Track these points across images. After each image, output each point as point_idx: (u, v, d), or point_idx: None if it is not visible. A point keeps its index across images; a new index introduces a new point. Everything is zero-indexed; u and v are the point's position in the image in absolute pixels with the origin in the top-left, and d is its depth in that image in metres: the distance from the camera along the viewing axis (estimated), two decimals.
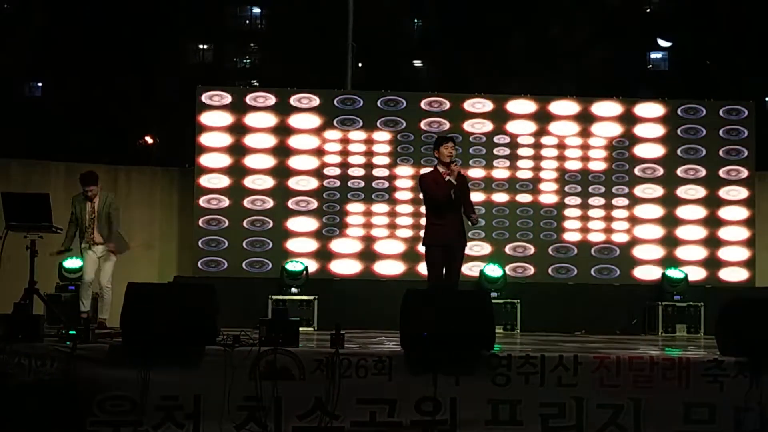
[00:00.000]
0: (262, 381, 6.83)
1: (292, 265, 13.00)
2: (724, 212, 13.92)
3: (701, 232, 13.88)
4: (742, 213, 13.93)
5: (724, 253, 13.88)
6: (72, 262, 12.12)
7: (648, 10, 31.44)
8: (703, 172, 13.96)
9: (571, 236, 13.82)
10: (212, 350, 6.91)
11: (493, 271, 13.19)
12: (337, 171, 13.71)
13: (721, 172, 13.97)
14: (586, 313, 12.87)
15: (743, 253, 13.89)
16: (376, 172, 13.74)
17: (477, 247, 13.65)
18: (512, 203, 13.79)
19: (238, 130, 13.64)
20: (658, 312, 12.88)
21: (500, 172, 13.82)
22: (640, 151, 13.95)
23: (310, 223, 13.63)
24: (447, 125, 13.82)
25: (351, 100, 13.89)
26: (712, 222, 13.89)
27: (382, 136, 13.78)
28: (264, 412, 6.82)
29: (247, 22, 34.88)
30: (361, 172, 13.73)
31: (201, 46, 33.40)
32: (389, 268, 13.50)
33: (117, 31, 27.36)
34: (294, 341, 7.09)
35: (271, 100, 13.78)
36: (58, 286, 12.27)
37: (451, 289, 8.53)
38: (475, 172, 13.77)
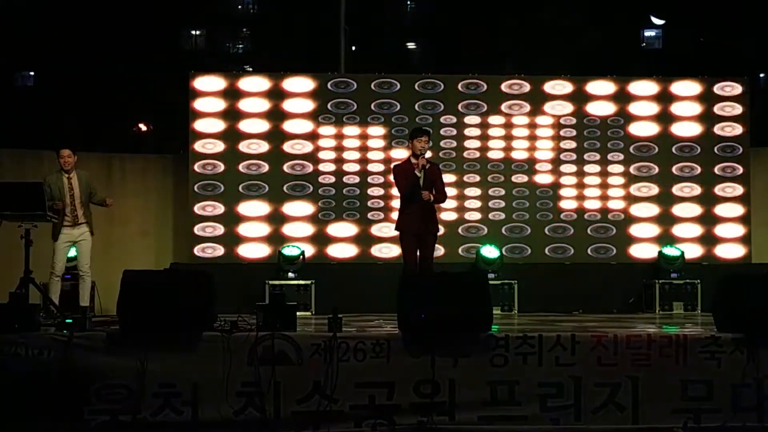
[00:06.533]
0: (260, 366, 6.83)
1: (289, 250, 12.99)
2: (719, 189, 13.92)
3: (697, 210, 13.88)
4: (738, 189, 13.93)
5: (720, 230, 13.89)
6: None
7: None
8: (698, 150, 13.95)
9: (567, 216, 13.81)
10: (210, 336, 6.91)
11: (490, 252, 13.19)
12: (332, 154, 13.68)
13: (716, 149, 13.96)
14: (583, 293, 12.87)
15: (739, 230, 13.89)
16: (370, 155, 13.72)
17: (473, 229, 13.65)
18: (508, 183, 13.78)
19: (232, 115, 13.60)
20: (655, 290, 12.89)
21: (495, 153, 13.80)
22: (635, 129, 13.94)
23: (306, 208, 13.61)
24: (441, 107, 13.78)
25: (344, 83, 13.85)
26: (708, 199, 13.88)
27: (376, 118, 13.75)
28: (262, 397, 6.82)
29: (240, 7, 34.73)
30: (356, 155, 13.70)
31: (193, 32, 33.28)
32: (386, 251, 13.50)
33: (109, 19, 27.24)
34: (291, 326, 7.08)
35: (265, 84, 13.73)
36: None
37: (448, 272, 8.61)
38: (470, 154, 13.75)
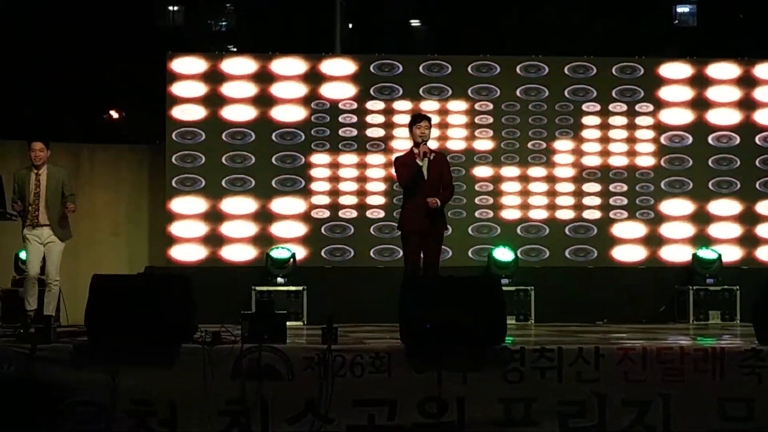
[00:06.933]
0: (246, 382, 6.83)
1: (278, 252, 13.00)
2: (761, 184, 13.92)
3: (736, 207, 13.88)
4: None
5: (762, 231, 13.89)
6: None
7: None
8: (737, 140, 13.95)
9: (591, 214, 13.81)
10: (189, 349, 6.91)
11: (504, 254, 13.19)
12: (326, 145, 13.68)
13: (758, 139, 13.97)
14: (608, 300, 12.89)
15: None
16: (370, 146, 13.72)
17: (485, 229, 13.66)
18: (524, 178, 13.78)
19: (214, 101, 13.61)
20: (689, 297, 12.90)
21: (509, 143, 13.80)
22: (666, 117, 13.94)
23: (298, 205, 13.61)
24: (449, 92, 13.79)
25: (341, 65, 13.86)
26: (748, 195, 13.89)
27: (376, 105, 13.75)
28: (248, 417, 6.82)
29: None
30: (353, 145, 13.70)
31: (170, 8, 33.30)
32: (386, 254, 13.50)
33: None
34: (281, 337, 7.09)
35: (251, 66, 13.74)
36: (15, 280, 12.25)
37: (456, 276, 8.61)
38: (482, 144, 13.75)
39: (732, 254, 13.74)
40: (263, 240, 13.46)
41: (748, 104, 13.99)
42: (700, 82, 14.00)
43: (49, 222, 9.76)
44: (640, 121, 13.91)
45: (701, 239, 13.75)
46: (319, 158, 13.67)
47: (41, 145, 9.80)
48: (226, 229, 13.53)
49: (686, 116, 13.96)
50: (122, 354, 6.83)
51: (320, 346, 6.99)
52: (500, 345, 7.06)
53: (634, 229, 13.83)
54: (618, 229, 13.82)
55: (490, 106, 13.83)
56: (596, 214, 13.83)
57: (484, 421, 6.93)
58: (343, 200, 13.65)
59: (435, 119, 13.15)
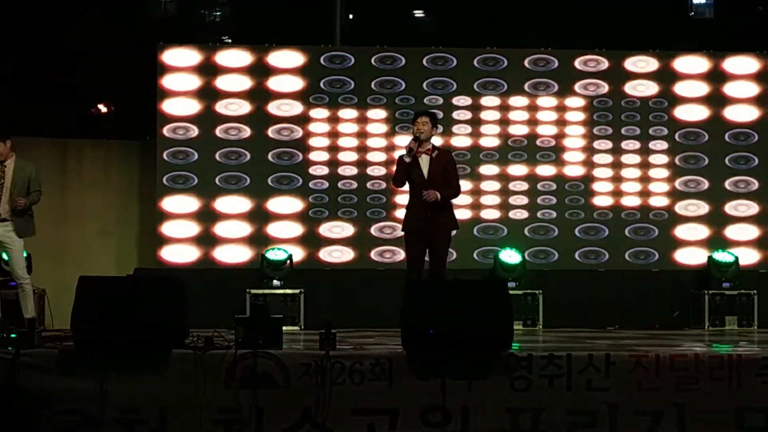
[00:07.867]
0: (240, 389, 6.83)
1: (274, 254, 12.99)
2: None
3: (754, 208, 13.86)
4: None
5: None
6: None
7: None
8: (755, 137, 13.94)
9: (602, 215, 13.80)
10: (180, 354, 6.91)
11: (510, 257, 13.18)
12: (325, 141, 13.68)
13: None
14: (619, 305, 12.88)
15: None
16: (370, 142, 13.71)
17: (491, 229, 13.65)
18: (532, 177, 13.77)
19: (208, 95, 13.59)
20: (704, 302, 12.88)
21: (516, 140, 13.79)
22: (681, 113, 13.93)
23: (295, 204, 13.60)
24: (454, 86, 13.78)
25: (340, 57, 13.85)
26: (767, 195, 13.86)
27: (378, 99, 13.75)
28: (242, 426, 6.83)
29: None
30: (353, 142, 13.70)
31: None
32: (388, 256, 13.49)
33: None
34: (277, 342, 7.09)
35: (246, 59, 13.73)
36: None
37: (461, 280, 8.61)
38: (488, 141, 13.74)
39: (749, 257, 13.71)
40: (258, 240, 13.45)
41: (767, 100, 13.97)
42: (716, 76, 13.97)
43: (11, 217, 9.72)
44: (653, 117, 13.89)
45: (717, 241, 13.73)
46: (318, 155, 13.66)
47: (1, 144, 9.74)
48: (220, 229, 13.51)
49: (702, 112, 13.94)
50: (110, 360, 6.83)
51: (318, 352, 7.00)
52: (507, 351, 7.07)
53: (647, 230, 13.82)
54: (630, 231, 13.81)
55: (497, 101, 13.82)
56: (607, 215, 13.81)
57: (490, 431, 6.93)
58: (343, 199, 13.64)
59: (438, 115, 13.13)
